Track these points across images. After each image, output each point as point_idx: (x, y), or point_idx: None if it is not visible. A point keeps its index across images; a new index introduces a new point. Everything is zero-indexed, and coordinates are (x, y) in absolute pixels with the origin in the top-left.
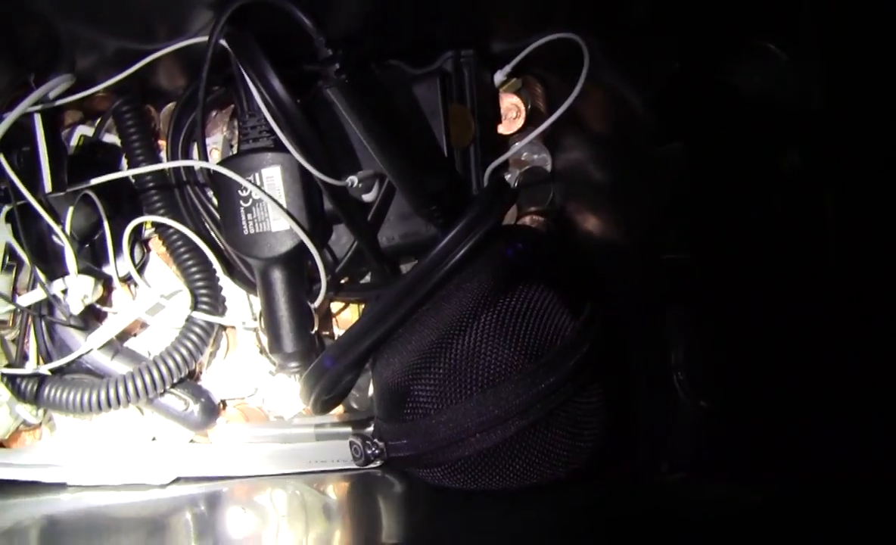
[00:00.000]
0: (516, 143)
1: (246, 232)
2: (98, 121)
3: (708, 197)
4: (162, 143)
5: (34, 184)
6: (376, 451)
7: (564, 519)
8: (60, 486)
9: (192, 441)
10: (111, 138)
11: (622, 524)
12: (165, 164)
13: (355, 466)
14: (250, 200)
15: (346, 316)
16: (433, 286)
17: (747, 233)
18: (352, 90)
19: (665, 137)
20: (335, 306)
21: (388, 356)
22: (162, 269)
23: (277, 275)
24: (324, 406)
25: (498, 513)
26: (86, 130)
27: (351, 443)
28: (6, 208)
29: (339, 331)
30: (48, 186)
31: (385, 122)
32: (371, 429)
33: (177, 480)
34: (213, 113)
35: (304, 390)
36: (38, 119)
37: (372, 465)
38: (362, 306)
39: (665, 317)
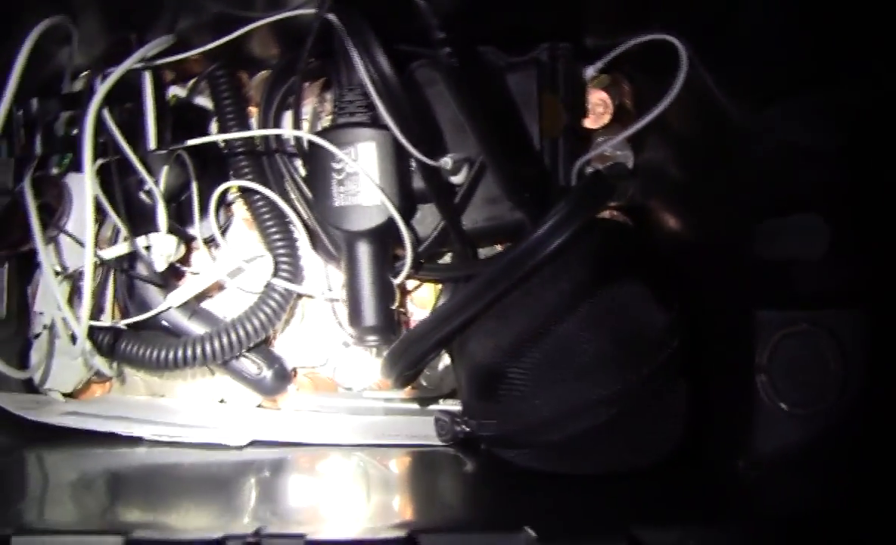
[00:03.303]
0: (603, 139)
1: (336, 204)
2: (192, 82)
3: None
4: (252, 110)
5: (133, 140)
6: (466, 429)
7: (642, 506)
8: (136, 440)
9: (259, 406)
10: (201, 100)
11: (697, 515)
12: (269, 131)
13: (420, 442)
14: (343, 173)
15: (422, 294)
16: (529, 271)
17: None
18: (460, 74)
19: None
20: (409, 284)
21: (480, 337)
22: (245, 234)
23: (363, 249)
24: (405, 381)
25: (574, 494)
26: (178, 91)
27: (437, 420)
28: (100, 162)
29: (413, 309)
30: (152, 143)
31: (486, 108)
32: (449, 407)
33: (252, 443)
34: (305, 84)
35: (388, 364)
36: (147, 77)
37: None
38: (438, 287)
39: (752, 319)
